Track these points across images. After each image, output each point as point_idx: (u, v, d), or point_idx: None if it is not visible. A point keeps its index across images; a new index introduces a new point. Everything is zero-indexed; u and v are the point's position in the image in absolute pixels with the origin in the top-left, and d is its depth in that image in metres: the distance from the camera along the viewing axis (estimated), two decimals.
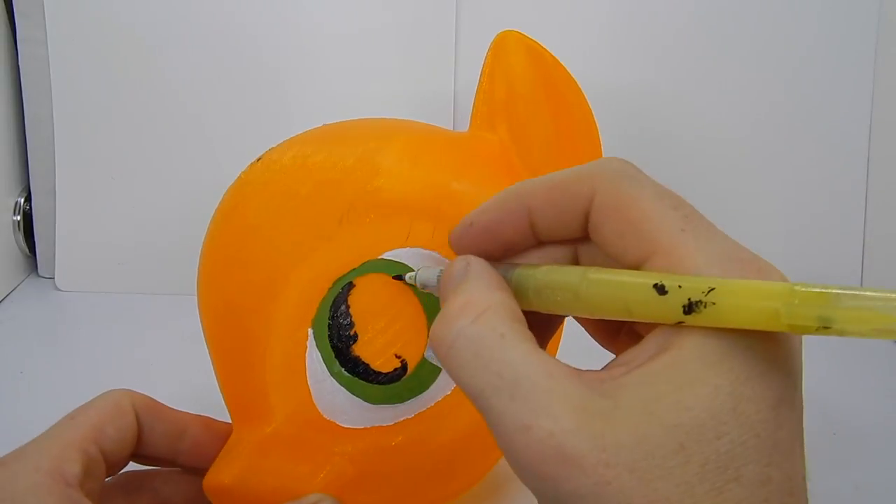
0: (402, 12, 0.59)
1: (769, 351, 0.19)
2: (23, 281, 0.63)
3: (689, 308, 0.19)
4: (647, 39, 0.60)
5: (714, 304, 0.18)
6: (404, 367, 0.32)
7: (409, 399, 0.33)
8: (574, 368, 0.20)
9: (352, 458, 0.31)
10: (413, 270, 0.31)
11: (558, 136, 0.38)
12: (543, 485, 0.19)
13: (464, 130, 0.39)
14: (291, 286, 0.31)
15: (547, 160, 0.38)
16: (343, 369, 0.32)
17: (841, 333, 0.17)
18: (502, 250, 0.25)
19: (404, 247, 0.32)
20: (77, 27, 0.58)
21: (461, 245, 0.26)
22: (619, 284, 0.20)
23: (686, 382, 0.19)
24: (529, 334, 0.21)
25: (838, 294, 0.17)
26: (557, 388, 0.19)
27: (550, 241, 0.24)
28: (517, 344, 0.20)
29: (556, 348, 0.35)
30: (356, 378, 0.32)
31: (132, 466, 0.31)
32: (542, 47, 0.39)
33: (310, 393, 0.31)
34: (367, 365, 0.32)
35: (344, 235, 0.32)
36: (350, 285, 0.32)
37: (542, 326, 0.26)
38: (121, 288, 0.60)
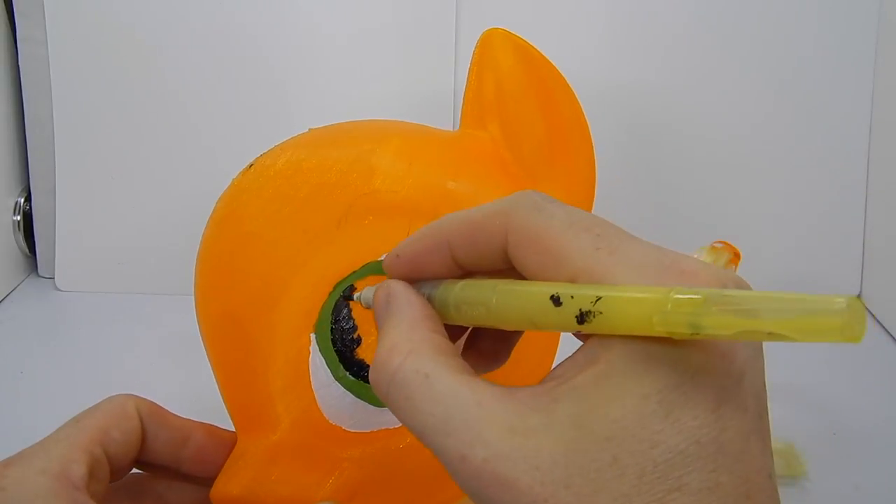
0: (402, 12, 0.59)
1: (701, 353, 0.19)
2: (23, 281, 0.63)
3: (581, 318, 0.19)
4: (647, 39, 0.60)
5: (601, 313, 0.19)
6: None
7: None
8: (507, 388, 0.20)
9: (360, 463, 0.31)
10: None
11: (549, 131, 0.39)
12: None
13: (454, 130, 0.39)
14: (292, 292, 0.31)
15: (539, 156, 0.38)
16: (347, 373, 0.32)
17: (712, 337, 0.17)
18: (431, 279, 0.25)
19: None
20: (77, 27, 0.58)
21: (391, 275, 0.26)
22: (523, 296, 0.21)
23: (614, 395, 0.19)
24: (458, 364, 0.22)
25: (705, 300, 0.17)
26: (487, 415, 0.20)
27: (478, 272, 0.24)
28: (442, 380, 0.21)
29: (555, 349, 0.35)
30: (361, 381, 0.32)
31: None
32: (529, 44, 0.39)
33: (314, 399, 0.31)
34: None
35: (343, 239, 0.32)
36: (351, 288, 0.32)
37: (499, 336, 0.26)
38: (121, 288, 0.61)
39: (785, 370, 0.49)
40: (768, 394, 0.48)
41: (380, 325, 0.24)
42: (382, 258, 0.31)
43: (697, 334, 0.17)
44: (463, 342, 0.26)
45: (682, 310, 0.17)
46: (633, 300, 0.18)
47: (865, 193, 0.61)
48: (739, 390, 0.19)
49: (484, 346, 0.26)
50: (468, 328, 0.26)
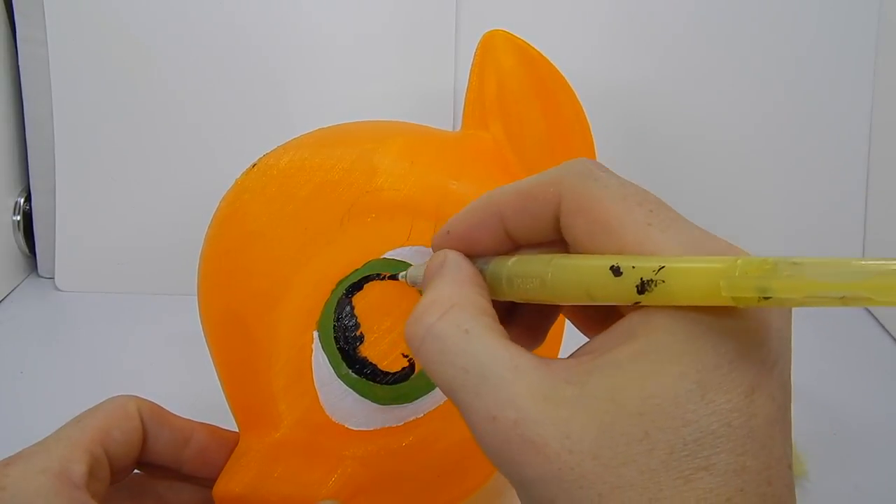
0: (402, 13, 0.59)
1: (739, 338, 0.19)
2: (23, 281, 0.63)
3: (642, 287, 0.19)
4: (647, 39, 0.60)
5: (664, 282, 0.19)
6: (412, 366, 0.32)
7: (417, 398, 0.32)
8: (542, 358, 0.21)
9: (362, 461, 0.31)
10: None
11: (550, 131, 0.39)
12: (511, 470, 0.20)
13: (457, 130, 0.39)
14: (295, 290, 0.31)
15: (541, 156, 0.38)
16: (350, 371, 0.32)
17: (780, 303, 0.17)
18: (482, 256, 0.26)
19: (406, 245, 0.32)
20: (77, 27, 0.58)
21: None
22: (580, 268, 0.21)
23: (651, 371, 0.19)
24: (497, 327, 0.22)
25: (775, 265, 0.17)
26: (522, 379, 0.20)
27: (527, 245, 0.24)
28: (482, 338, 0.21)
29: (559, 344, 0.35)
30: (364, 379, 0.32)
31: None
32: (530, 45, 0.39)
33: (317, 397, 0.31)
34: (375, 365, 0.32)
35: (345, 236, 0.32)
36: (355, 286, 0.32)
37: (538, 316, 0.26)
38: (121, 288, 0.60)
39: None
40: None
41: (427, 286, 0.24)
42: (385, 256, 0.32)
43: (767, 299, 0.17)
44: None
45: (752, 274, 0.17)
46: (698, 269, 0.18)
47: (865, 193, 0.61)
48: (771, 379, 0.19)
49: (522, 326, 0.26)
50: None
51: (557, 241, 0.23)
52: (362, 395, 0.32)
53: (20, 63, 0.59)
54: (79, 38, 0.58)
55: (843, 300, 0.16)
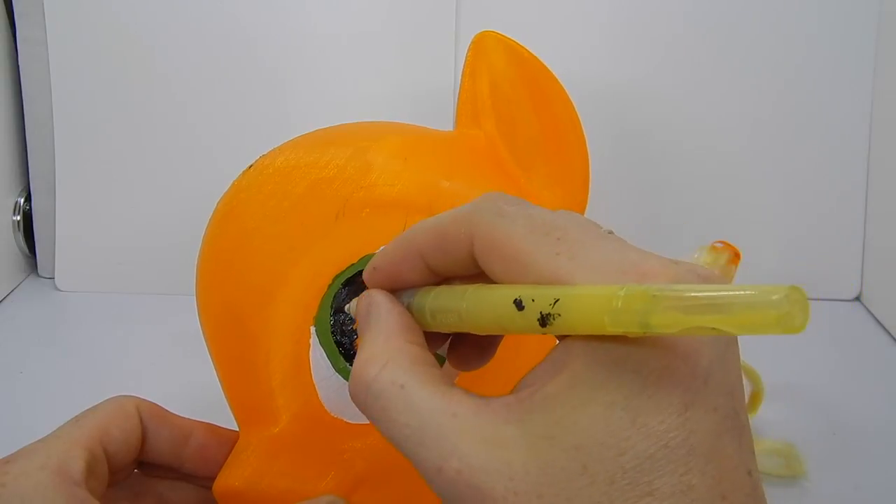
0: (401, 12, 0.59)
1: (663, 356, 0.19)
2: (23, 281, 0.63)
3: (543, 321, 0.19)
4: (647, 39, 0.60)
5: (560, 315, 0.19)
6: None
7: None
8: (482, 399, 0.21)
9: (361, 455, 0.32)
10: None
11: (542, 130, 0.39)
12: None
13: (451, 130, 0.39)
14: (291, 285, 0.32)
15: (534, 154, 0.39)
16: (348, 364, 0.32)
17: (662, 335, 0.17)
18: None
19: None
20: (77, 27, 0.58)
21: (371, 287, 0.26)
22: (489, 301, 0.21)
23: (580, 403, 0.19)
24: (434, 374, 0.22)
25: (655, 297, 0.17)
26: (461, 426, 0.20)
27: (453, 278, 0.24)
28: (418, 391, 0.21)
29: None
30: None
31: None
32: (521, 46, 0.40)
33: (315, 391, 0.32)
34: None
35: (340, 232, 0.32)
36: (351, 281, 0.32)
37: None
38: (121, 288, 0.61)
39: (785, 370, 0.49)
40: (768, 394, 0.47)
41: (361, 335, 0.24)
42: (380, 251, 0.32)
43: (648, 333, 0.17)
44: (448, 343, 0.26)
45: (633, 307, 0.17)
46: (586, 301, 0.18)
47: (865, 193, 0.61)
48: (707, 391, 0.19)
49: (471, 343, 0.26)
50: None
51: (482, 275, 0.23)
52: None
53: (20, 63, 0.60)
54: (79, 38, 0.58)
55: (715, 331, 0.16)
